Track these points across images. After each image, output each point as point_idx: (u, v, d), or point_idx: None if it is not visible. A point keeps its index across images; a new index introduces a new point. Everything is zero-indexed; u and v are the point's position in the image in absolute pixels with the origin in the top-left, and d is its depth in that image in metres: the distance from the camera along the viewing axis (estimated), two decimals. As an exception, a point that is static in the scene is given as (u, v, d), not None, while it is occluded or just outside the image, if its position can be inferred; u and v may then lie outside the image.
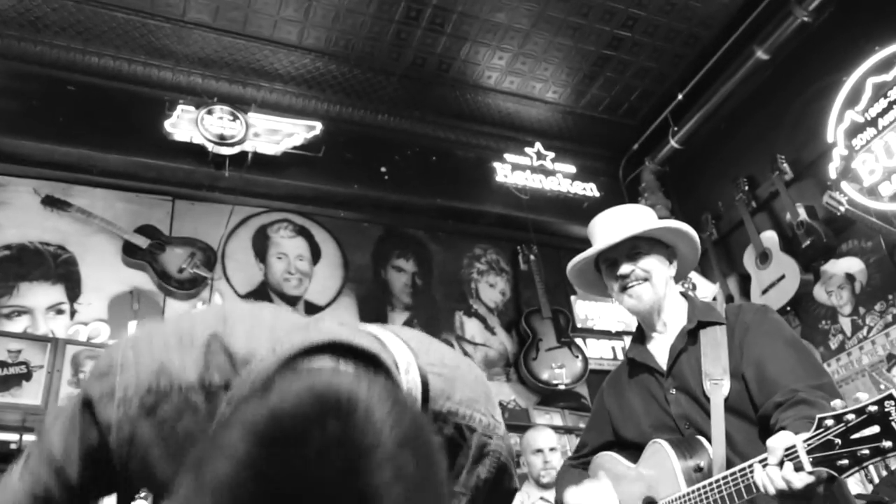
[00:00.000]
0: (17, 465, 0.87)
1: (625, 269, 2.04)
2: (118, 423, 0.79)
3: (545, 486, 3.93)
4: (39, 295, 4.44)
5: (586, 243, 2.25)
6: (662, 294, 2.05)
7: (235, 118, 4.97)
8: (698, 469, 1.77)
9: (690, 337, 1.99)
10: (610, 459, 2.11)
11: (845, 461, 1.35)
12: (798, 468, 1.42)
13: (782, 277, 4.69)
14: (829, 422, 1.38)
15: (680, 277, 2.23)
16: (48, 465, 0.82)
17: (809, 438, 1.41)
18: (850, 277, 4.47)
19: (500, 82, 5.52)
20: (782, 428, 1.66)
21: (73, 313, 4.47)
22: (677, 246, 2.13)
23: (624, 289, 2.05)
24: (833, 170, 4.53)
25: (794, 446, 1.43)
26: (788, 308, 4.69)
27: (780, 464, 1.45)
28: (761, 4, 4.83)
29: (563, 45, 5.24)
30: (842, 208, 4.22)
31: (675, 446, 1.84)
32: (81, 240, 4.66)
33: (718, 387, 1.85)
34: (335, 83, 5.23)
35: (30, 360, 3.84)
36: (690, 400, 1.91)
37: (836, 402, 1.38)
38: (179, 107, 4.90)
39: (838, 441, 1.36)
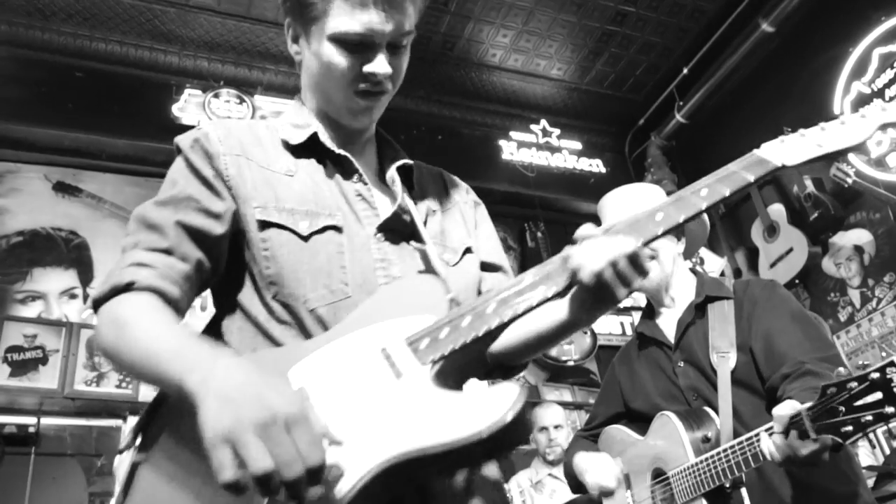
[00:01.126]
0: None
1: None
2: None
3: (551, 463, 3.98)
4: (53, 280, 4.49)
5: (594, 219, 2.26)
6: (670, 271, 2.08)
7: (242, 101, 5.00)
8: (706, 440, 1.80)
9: (698, 311, 2.02)
10: (619, 432, 2.15)
11: (849, 427, 1.37)
12: (803, 436, 1.45)
13: (790, 250, 4.70)
14: (832, 390, 1.40)
15: (689, 254, 2.26)
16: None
17: (814, 407, 1.43)
18: (858, 249, 4.48)
19: (505, 60, 5.50)
20: (789, 398, 1.69)
21: (86, 297, 4.52)
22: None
23: None
24: (840, 142, 4.52)
25: (799, 414, 1.46)
26: (797, 281, 4.70)
27: (786, 432, 1.48)
28: (767, -24, 4.80)
29: (566, 22, 5.21)
30: (849, 180, 4.21)
31: (683, 418, 1.87)
32: (92, 224, 4.70)
33: (725, 360, 1.88)
34: (340, 64, 5.23)
35: (45, 345, 3.91)
36: (698, 372, 1.94)
37: (840, 370, 1.41)
38: (186, 91, 4.93)
39: (842, 408, 1.38)
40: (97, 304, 1.05)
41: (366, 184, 1.21)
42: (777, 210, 4.88)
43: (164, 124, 4.86)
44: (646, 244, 1.03)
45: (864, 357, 4.22)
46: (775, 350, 1.83)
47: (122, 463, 0.97)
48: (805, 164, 1.16)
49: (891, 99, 4.26)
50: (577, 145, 5.98)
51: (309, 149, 1.22)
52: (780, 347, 1.82)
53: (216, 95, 4.95)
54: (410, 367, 0.96)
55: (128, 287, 1.04)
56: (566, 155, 5.90)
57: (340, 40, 1.14)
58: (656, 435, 1.96)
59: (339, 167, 1.22)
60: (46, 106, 4.61)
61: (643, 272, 1.03)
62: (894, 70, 4.27)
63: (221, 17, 4.87)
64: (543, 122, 5.95)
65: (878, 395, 1.35)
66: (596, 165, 5.93)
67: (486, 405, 0.84)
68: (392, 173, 1.25)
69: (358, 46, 1.15)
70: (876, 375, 1.35)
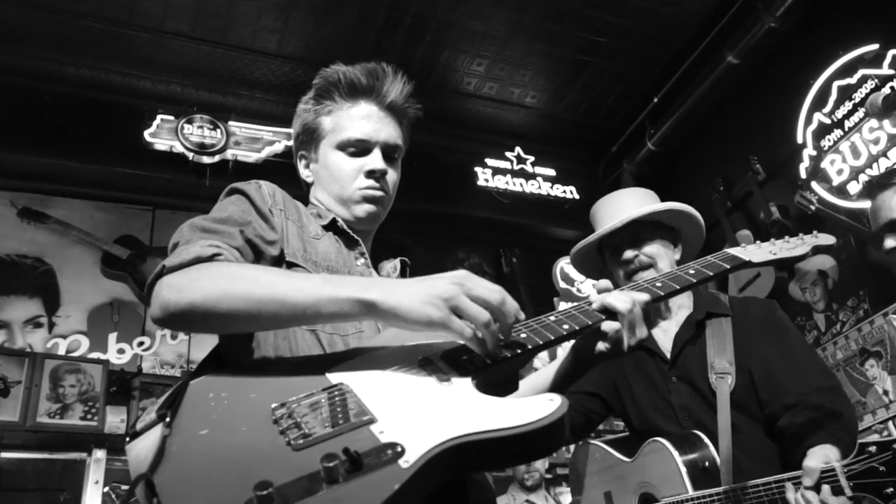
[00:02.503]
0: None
1: (628, 254, 2.01)
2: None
3: (529, 489, 3.96)
4: (17, 308, 4.39)
5: (568, 245, 2.25)
6: None
7: (216, 127, 4.98)
8: (703, 469, 1.73)
9: (697, 328, 1.96)
10: (598, 450, 2.09)
11: (891, 489, 1.31)
12: (837, 492, 1.39)
13: (758, 275, 4.78)
14: (873, 448, 1.35)
15: (686, 260, 2.18)
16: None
17: (850, 464, 1.38)
18: (822, 274, 4.57)
19: (480, 88, 5.57)
20: (795, 434, 1.65)
21: (51, 326, 4.43)
22: (682, 229, 2.10)
23: (629, 276, 2.01)
24: (803, 170, 4.64)
25: (832, 469, 1.40)
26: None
27: (817, 486, 1.42)
28: (731, 10, 4.94)
29: (540, 51, 5.30)
30: (812, 207, 4.32)
31: (678, 445, 1.79)
32: (59, 251, 4.62)
33: (724, 380, 1.82)
34: (314, 91, 5.24)
35: (7, 376, 3.79)
36: (693, 391, 1.89)
37: (874, 436, 1.38)
38: (159, 116, 4.90)
39: (882, 468, 1.33)
40: (172, 271, 1.11)
41: (368, 266, 1.42)
42: (745, 236, 4.98)
43: (136, 149, 4.82)
44: (654, 300, 1.29)
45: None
46: (776, 376, 1.79)
47: (144, 441, 0.96)
48: (762, 264, 1.49)
49: (850, 129, 4.39)
50: (552, 172, 6.05)
51: (329, 228, 1.42)
52: (781, 374, 1.78)
53: (189, 121, 4.92)
54: (455, 374, 1.04)
55: (212, 258, 1.12)
56: (540, 181, 5.96)
57: (344, 147, 1.44)
58: (647, 459, 1.88)
59: (351, 247, 1.42)
60: (14, 130, 4.55)
61: (648, 326, 1.24)
62: (852, 102, 4.41)
63: (196, 43, 4.86)
64: (518, 149, 6.02)
65: None
66: (570, 192, 6.00)
67: (534, 405, 0.93)
68: (395, 262, 1.53)
69: (359, 151, 1.44)
70: None
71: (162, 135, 4.85)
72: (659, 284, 1.32)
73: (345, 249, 1.39)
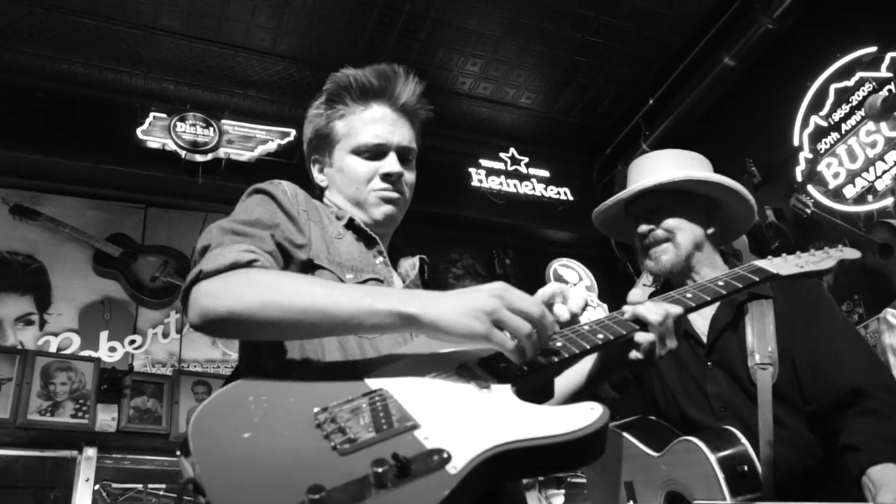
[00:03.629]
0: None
1: (643, 228, 1.86)
2: None
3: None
4: (8, 306, 4.37)
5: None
6: (689, 254, 1.82)
7: (209, 125, 4.95)
8: (742, 473, 1.56)
9: (738, 310, 1.78)
10: (622, 439, 1.91)
11: None
12: None
13: (753, 278, 4.78)
14: None
15: (728, 239, 2.02)
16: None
17: None
18: (817, 278, 4.57)
19: (474, 88, 5.55)
20: (849, 444, 1.52)
21: (42, 324, 4.41)
22: (722, 201, 1.89)
23: (644, 250, 1.88)
24: (799, 173, 4.64)
25: None
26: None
27: None
28: (728, 12, 4.93)
29: (535, 52, 5.29)
30: (808, 210, 4.31)
31: (713, 445, 1.61)
32: (51, 249, 4.59)
33: (766, 371, 1.67)
34: (309, 89, 5.17)
35: (-2, 373, 3.77)
36: (731, 380, 1.74)
37: None
38: (151, 114, 4.87)
39: None
40: (209, 276, 1.10)
41: (387, 265, 1.43)
42: (740, 239, 4.97)
43: (128, 147, 4.79)
44: (686, 312, 1.30)
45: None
46: (823, 368, 1.64)
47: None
48: (791, 277, 1.48)
49: (846, 132, 4.39)
50: (546, 173, 6.04)
51: (349, 227, 1.43)
52: (830, 366, 1.63)
53: (182, 119, 4.90)
54: (494, 381, 1.06)
55: (249, 264, 1.12)
56: (534, 183, 5.94)
57: (359, 151, 1.44)
58: (677, 458, 1.71)
59: (369, 246, 1.42)
60: (5, 127, 4.52)
61: (678, 338, 1.26)
62: (849, 105, 4.41)
63: (189, 41, 4.83)
64: (512, 150, 6.00)
65: None
66: (564, 193, 5.98)
67: (576, 414, 0.95)
68: (414, 259, 1.53)
69: (373, 155, 1.43)
70: None
71: (154, 132, 4.83)
72: (689, 296, 1.34)
73: (364, 249, 1.40)
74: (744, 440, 1.59)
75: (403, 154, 1.46)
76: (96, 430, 3.84)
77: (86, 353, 4.34)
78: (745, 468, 1.56)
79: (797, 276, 1.45)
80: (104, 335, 4.51)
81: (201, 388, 4.23)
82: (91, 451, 3.79)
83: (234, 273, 1.09)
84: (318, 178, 1.53)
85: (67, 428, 3.78)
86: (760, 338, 1.71)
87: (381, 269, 1.39)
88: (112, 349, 4.48)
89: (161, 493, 3.92)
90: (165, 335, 4.66)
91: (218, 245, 1.16)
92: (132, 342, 4.56)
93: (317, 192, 1.53)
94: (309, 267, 1.27)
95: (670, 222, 1.85)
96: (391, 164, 1.43)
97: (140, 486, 3.90)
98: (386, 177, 1.42)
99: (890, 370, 1.76)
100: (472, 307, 1.02)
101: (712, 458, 1.58)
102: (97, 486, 3.75)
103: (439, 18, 4.91)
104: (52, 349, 4.30)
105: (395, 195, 1.44)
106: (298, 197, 1.37)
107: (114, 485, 3.88)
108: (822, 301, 1.78)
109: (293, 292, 1.06)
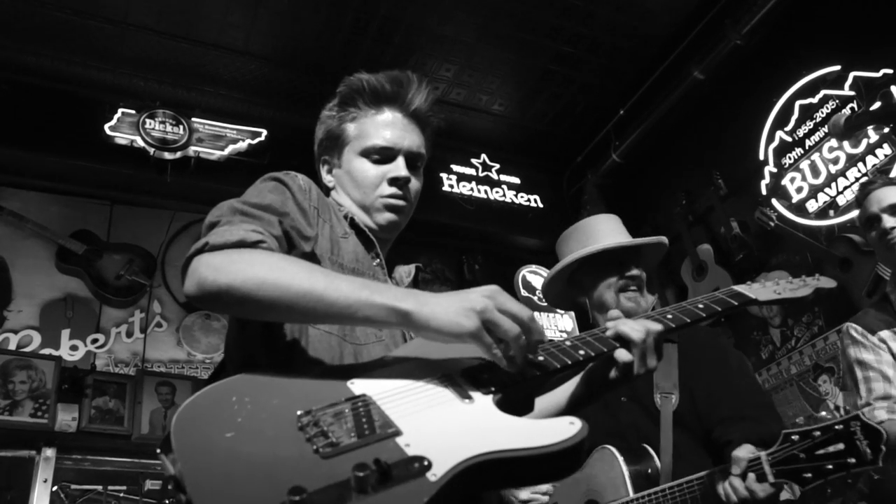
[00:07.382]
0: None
1: (635, 272, 2.11)
2: None
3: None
4: (-34, 302, 4.26)
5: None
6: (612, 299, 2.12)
7: (178, 123, 4.89)
8: (646, 476, 1.84)
9: None
10: None
11: (809, 474, 1.43)
12: (761, 479, 1.50)
13: (717, 289, 4.84)
14: (795, 437, 1.46)
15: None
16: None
17: (774, 452, 1.49)
18: (779, 289, 4.66)
19: (447, 94, 5.57)
20: (728, 441, 1.78)
21: (2, 321, 4.32)
22: (648, 257, 2.25)
23: (623, 290, 2.10)
24: (764, 186, 4.74)
25: (758, 458, 1.51)
26: (722, 319, 4.85)
27: (744, 475, 1.53)
28: (698, 26, 5.02)
29: (509, 60, 5.33)
30: (772, 223, 4.41)
31: (624, 452, 1.91)
32: (13, 244, 4.50)
33: (668, 400, 1.94)
34: (281, 90, 5.18)
35: (-46, 371, 3.68)
36: (641, 410, 2.01)
37: (799, 420, 1.52)
38: (120, 109, 4.80)
39: (803, 455, 1.44)
40: (214, 249, 1.12)
41: (383, 268, 1.45)
42: (705, 250, 5.06)
43: (96, 143, 4.71)
44: (665, 332, 1.30)
45: (783, 394, 4.38)
46: (715, 393, 1.93)
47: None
48: (768, 303, 1.54)
49: (810, 148, 4.50)
50: (516, 180, 6.08)
51: (352, 227, 1.45)
52: (720, 391, 1.92)
53: (151, 115, 4.83)
54: (476, 391, 1.08)
55: (255, 244, 1.14)
56: (505, 189, 5.98)
57: (368, 153, 1.46)
58: (594, 467, 1.97)
59: (368, 249, 1.44)
60: (-32, 119, 4.41)
61: (658, 357, 1.27)
62: (813, 121, 4.52)
63: (160, 36, 4.76)
64: (484, 157, 6.04)
65: (840, 446, 1.41)
66: (534, 200, 6.03)
67: (555, 427, 0.97)
68: (410, 267, 1.59)
69: (382, 159, 1.46)
70: (840, 427, 1.43)
71: (123, 129, 4.75)
72: (670, 316, 1.34)
73: (364, 251, 1.42)
74: (651, 452, 1.89)
75: (412, 160, 1.49)
76: (56, 430, 3.78)
77: (46, 351, 4.26)
78: (650, 471, 1.84)
79: (774, 302, 1.55)
80: (66, 333, 4.43)
81: (165, 388, 4.17)
82: (50, 452, 3.73)
83: (238, 251, 1.11)
84: (326, 178, 1.56)
85: (26, 427, 3.72)
86: (665, 374, 1.98)
87: (379, 273, 1.42)
88: (74, 348, 4.40)
89: (121, 494, 3.86)
90: (129, 334, 4.59)
91: (227, 223, 1.18)
92: (95, 341, 4.48)
93: (323, 193, 1.53)
94: (311, 260, 1.28)
95: (643, 272, 2.18)
96: (399, 168, 1.46)
97: (100, 488, 3.83)
98: (394, 181, 1.45)
99: (769, 397, 2.02)
100: (464, 306, 1.05)
101: (622, 462, 1.87)
102: (55, 488, 3.69)
103: (414, 23, 4.92)
104: (12, 347, 4.21)
105: (400, 203, 1.47)
106: (312, 192, 1.39)
107: (73, 486, 3.81)
108: (719, 344, 2.12)
109: (294, 275, 1.08)
